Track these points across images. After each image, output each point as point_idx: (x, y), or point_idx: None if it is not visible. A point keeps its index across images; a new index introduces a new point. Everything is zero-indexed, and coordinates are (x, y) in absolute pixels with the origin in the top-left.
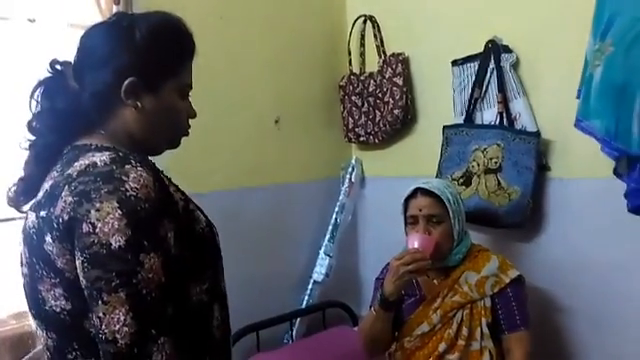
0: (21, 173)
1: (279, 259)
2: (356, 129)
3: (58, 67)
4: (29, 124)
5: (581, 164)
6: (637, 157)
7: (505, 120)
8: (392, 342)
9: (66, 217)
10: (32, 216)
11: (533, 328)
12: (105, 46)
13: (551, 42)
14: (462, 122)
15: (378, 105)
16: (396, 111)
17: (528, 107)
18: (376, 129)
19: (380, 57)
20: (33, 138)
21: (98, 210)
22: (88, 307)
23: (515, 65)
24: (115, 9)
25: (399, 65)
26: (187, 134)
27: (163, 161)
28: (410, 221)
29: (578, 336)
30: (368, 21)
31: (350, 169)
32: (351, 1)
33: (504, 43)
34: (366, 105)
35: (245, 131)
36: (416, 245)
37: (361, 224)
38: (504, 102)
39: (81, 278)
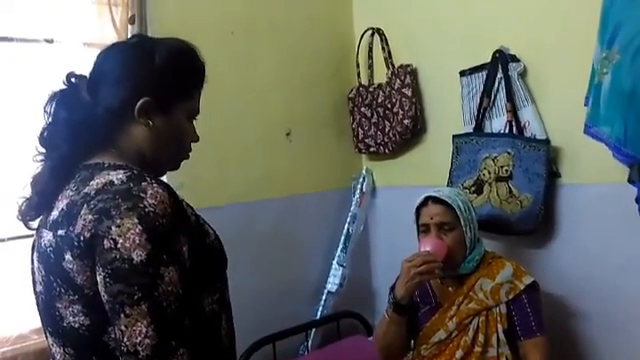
0: (32, 187)
1: (293, 270)
2: (366, 140)
3: (73, 80)
4: (42, 135)
5: (591, 170)
6: None
7: (514, 128)
8: (407, 349)
9: (87, 235)
10: (48, 235)
11: (548, 334)
12: (125, 65)
13: (558, 50)
14: (472, 131)
15: (387, 116)
16: (405, 121)
17: (537, 115)
18: (386, 139)
19: (388, 69)
20: (45, 151)
21: (119, 226)
22: (107, 321)
23: (523, 74)
24: (130, 29)
25: (407, 76)
26: (188, 157)
27: (179, 176)
28: (422, 229)
29: (592, 340)
30: (376, 34)
31: (361, 179)
32: (358, 14)
33: (511, 52)
34: (375, 116)
35: (257, 144)
36: (428, 248)
37: (373, 234)
38: (513, 111)
39: (102, 293)
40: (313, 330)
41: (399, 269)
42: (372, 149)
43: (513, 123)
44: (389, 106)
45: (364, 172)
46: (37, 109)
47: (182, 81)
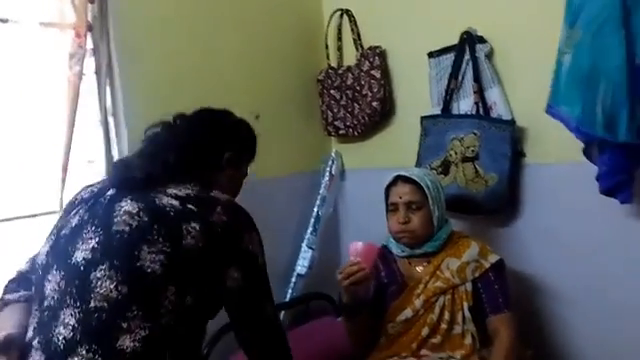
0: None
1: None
2: (335, 122)
3: (179, 121)
4: (167, 141)
5: (555, 150)
6: (604, 141)
7: (481, 109)
8: (376, 332)
9: (220, 229)
10: (172, 201)
11: (514, 310)
12: (220, 128)
13: (524, 32)
14: (439, 112)
15: (356, 98)
16: (374, 104)
17: (503, 96)
18: (355, 122)
19: (357, 50)
20: (159, 153)
21: (248, 234)
22: (171, 281)
23: (490, 55)
24: (90, 8)
25: (376, 58)
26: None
27: None
28: (391, 208)
29: (557, 316)
30: (344, 15)
31: (330, 162)
32: None
33: (479, 34)
34: (345, 98)
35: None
36: (353, 257)
37: (342, 216)
38: (480, 92)
39: (239, 282)
40: (282, 312)
41: None
42: (341, 131)
43: (480, 104)
44: (358, 88)
45: (333, 155)
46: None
47: (251, 148)
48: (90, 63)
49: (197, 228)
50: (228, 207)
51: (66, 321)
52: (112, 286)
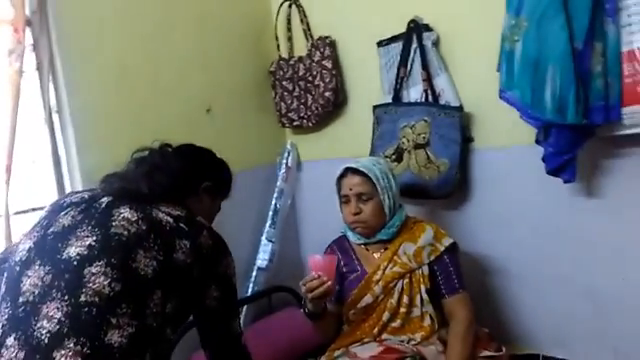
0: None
1: None
2: (289, 114)
3: (169, 149)
4: (158, 164)
5: (501, 134)
6: (552, 124)
7: (430, 96)
8: (341, 323)
9: (205, 251)
10: (166, 217)
11: (468, 289)
12: (203, 161)
13: (469, 19)
14: (390, 101)
15: (309, 89)
16: (327, 94)
17: (451, 83)
18: (309, 113)
19: (308, 41)
20: (153, 174)
21: (226, 259)
22: (159, 287)
23: (436, 43)
24: (28, 2)
25: (327, 48)
26: None
27: (94, 156)
28: (343, 200)
29: (509, 294)
30: (293, 5)
31: (286, 154)
32: None
33: (425, 22)
34: (297, 89)
35: (176, 122)
36: (315, 272)
37: (300, 208)
38: (428, 79)
39: (211, 300)
40: (244, 307)
41: (327, 241)
42: (295, 123)
43: (429, 91)
44: (310, 79)
45: (289, 146)
46: None
47: (227, 183)
48: (31, 59)
49: (187, 245)
50: (212, 233)
51: (50, 314)
52: (106, 282)
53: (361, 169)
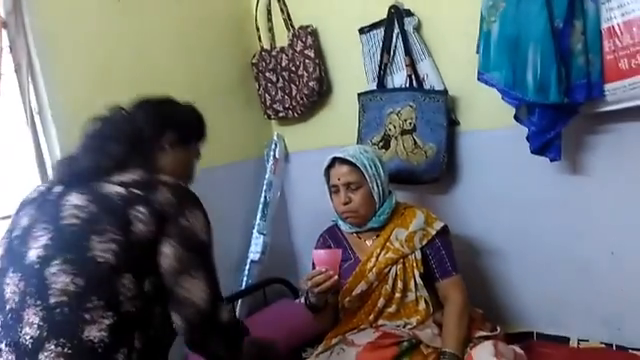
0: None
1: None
2: (274, 105)
3: (123, 112)
4: (106, 132)
5: (486, 116)
6: (534, 103)
7: (414, 82)
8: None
9: (167, 208)
10: (116, 188)
11: (460, 272)
12: (158, 112)
13: (448, 2)
14: (375, 88)
15: (293, 79)
16: (311, 83)
17: (434, 67)
18: (294, 103)
19: (289, 31)
20: (103, 144)
21: (192, 212)
22: (126, 269)
23: (418, 28)
24: (3, 3)
25: (309, 37)
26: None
27: None
28: (333, 190)
29: (501, 274)
30: None
31: (273, 146)
32: None
33: (406, 7)
34: (281, 80)
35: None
36: (321, 267)
37: (290, 199)
38: (412, 65)
39: (170, 256)
40: (239, 301)
41: (318, 232)
42: (281, 114)
43: (413, 77)
44: (293, 69)
45: (275, 138)
46: None
47: (195, 127)
48: (9, 61)
49: (144, 211)
50: (172, 186)
51: (30, 321)
52: (68, 280)
53: (348, 158)
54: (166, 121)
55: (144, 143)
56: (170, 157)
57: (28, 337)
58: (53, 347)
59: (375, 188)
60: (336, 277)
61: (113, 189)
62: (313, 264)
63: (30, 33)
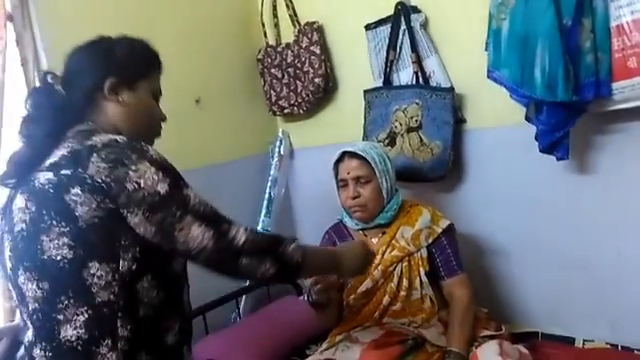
0: (18, 155)
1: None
2: (279, 102)
3: (49, 78)
4: (25, 120)
5: (493, 114)
6: (543, 101)
7: (421, 79)
8: (342, 309)
9: (102, 178)
10: (46, 175)
11: (465, 270)
12: (91, 56)
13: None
14: (381, 85)
15: (298, 75)
16: (317, 80)
17: (441, 64)
18: (299, 100)
19: (295, 27)
20: (28, 132)
21: (135, 171)
22: (89, 257)
23: (425, 25)
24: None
25: (314, 33)
26: (159, 135)
27: None
28: (341, 184)
29: (506, 273)
30: None
31: (278, 142)
32: None
33: (413, 4)
34: (286, 77)
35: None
36: None
37: (294, 196)
38: (418, 61)
39: (146, 227)
40: (243, 297)
41: (323, 229)
42: (286, 111)
43: (419, 74)
44: (299, 65)
45: (280, 135)
46: None
47: (139, 62)
48: (15, 55)
49: (79, 192)
50: (104, 150)
51: (27, 325)
52: (34, 286)
53: (359, 152)
54: (99, 69)
55: (72, 108)
56: (120, 107)
57: (26, 340)
58: (39, 351)
59: (384, 183)
60: (336, 277)
61: (45, 177)
62: None
63: (36, 27)
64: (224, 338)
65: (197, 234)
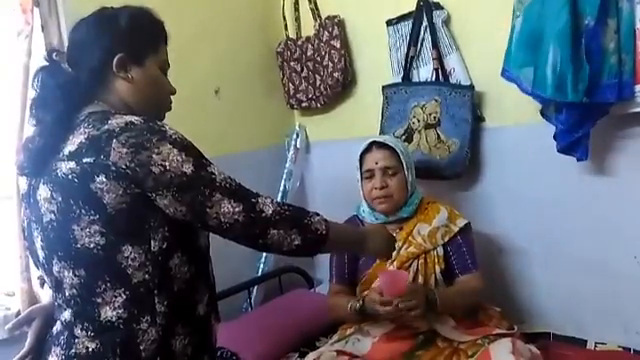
0: (32, 143)
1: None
2: (297, 95)
3: (54, 55)
4: (35, 102)
5: (512, 112)
6: (559, 101)
7: (440, 76)
8: None
9: (127, 164)
10: (68, 164)
11: (480, 269)
12: (95, 31)
13: None
14: (400, 81)
15: (317, 69)
16: (336, 74)
17: (461, 61)
18: (317, 94)
19: (316, 21)
20: (39, 115)
21: (159, 154)
22: (122, 241)
23: (447, 21)
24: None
25: (335, 28)
26: (170, 108)
27: None
28: (366, 175)
29: (521, 273)
30: None
31: (294, 135)
32: None
33: (435, 0)
34: (305, 70)
35: (185, 104)
36: (385, 292)
37: (309, 189)
38: (439, 58)
39: (177, 207)
40: (255, 287)
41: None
42: (304, 104)
43: (439, 71)
44: (319, 59)
45: (297, 128)
46: None
47: (146, 36)
48: (40, 41)
49: (104, 180)
50: (122, 134)
51: (62, 307)
52: (71, 274)
53: (388, 143)
54: (106, 45)
55: (79, 90)
56: (129, 84)
57: (63, 319)
58: (79, 331)
59: (409, 177)
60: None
61: (67, 167)
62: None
63: (62, 14)
64: (235, 327)
65: (228, 210)
